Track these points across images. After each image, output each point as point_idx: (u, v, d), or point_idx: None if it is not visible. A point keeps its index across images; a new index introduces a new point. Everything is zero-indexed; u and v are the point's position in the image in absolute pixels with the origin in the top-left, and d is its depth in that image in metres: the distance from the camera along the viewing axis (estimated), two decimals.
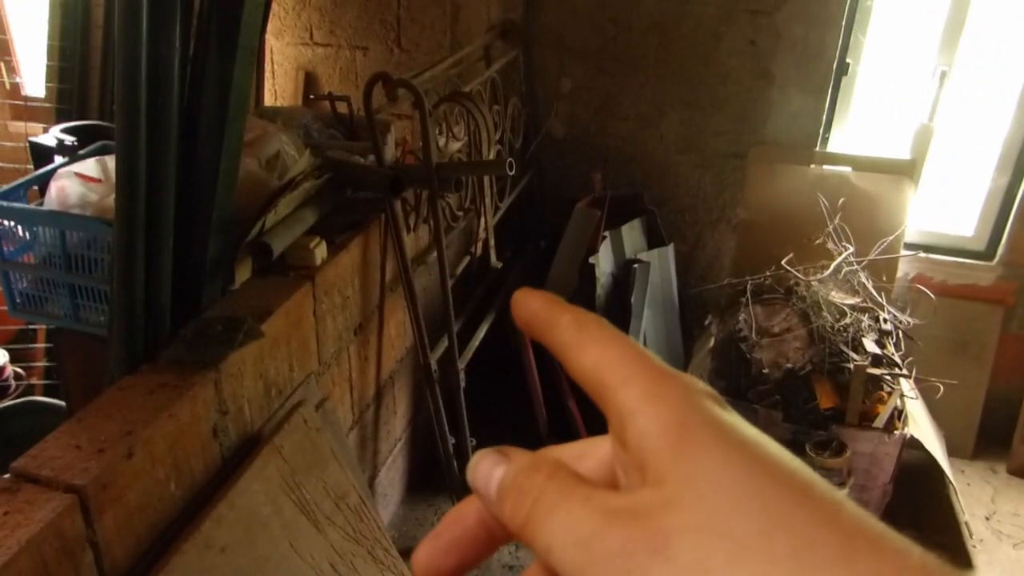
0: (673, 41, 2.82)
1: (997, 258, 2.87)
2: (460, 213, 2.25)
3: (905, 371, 2.45)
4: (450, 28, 3.06)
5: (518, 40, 2.90)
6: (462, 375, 2.25)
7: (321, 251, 1.83)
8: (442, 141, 2.30)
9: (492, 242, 2.24)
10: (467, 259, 2.39)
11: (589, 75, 2.96)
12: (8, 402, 2.52)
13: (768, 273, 2.65)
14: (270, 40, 3.30)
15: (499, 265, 2.27)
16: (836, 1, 2.64)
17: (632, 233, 2.85)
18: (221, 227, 1.61)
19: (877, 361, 2.44)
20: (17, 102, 3.68)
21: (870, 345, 2.47)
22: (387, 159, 2.15)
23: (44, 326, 2.78)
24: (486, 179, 2.27)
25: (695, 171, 2.98)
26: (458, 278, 2.40)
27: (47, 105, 3.09)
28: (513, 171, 1.92)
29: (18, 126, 3.60)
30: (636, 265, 2.66)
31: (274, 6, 3.23)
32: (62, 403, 2.38)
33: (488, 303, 2.61)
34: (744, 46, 2.76)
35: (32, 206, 1.81)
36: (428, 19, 3.09)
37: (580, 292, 2.67)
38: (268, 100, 3.36)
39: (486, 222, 2.23)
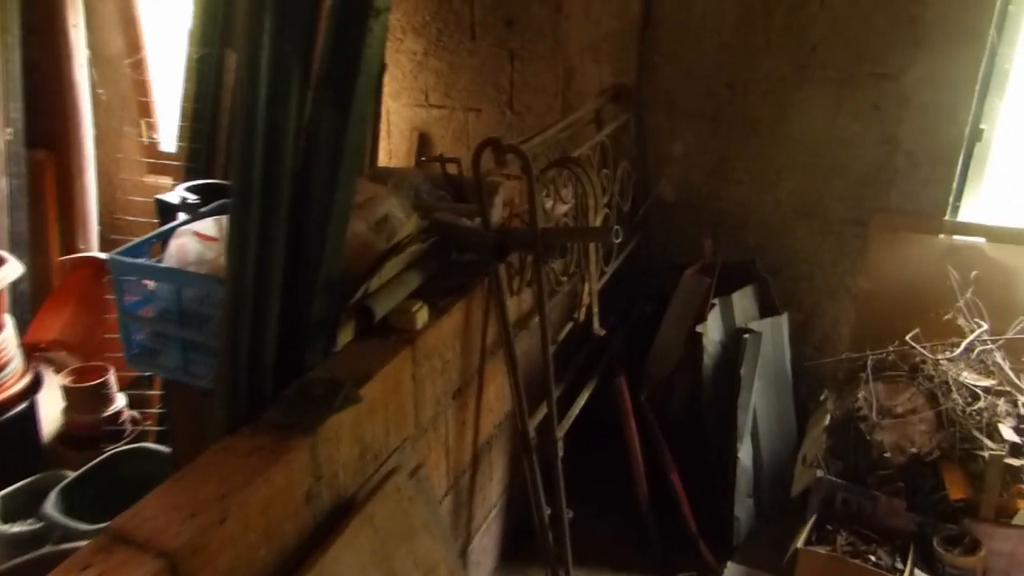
0: (792, 105, 2.73)
1: None
2: (564, 278, 2.22)
3: None
4: (562, 92, 3.08)
5: (630, 104, 2.88)
6: (560, 444, 2.18)
7: (423, 316, 1.83)
8: (549, 204, 2.28)
9: (596, 309, 2.19)
10: (570, 324, 2.34)
11: (702, 139, 2.90)
12: (123, 446, 2.63)
13: (891, 348, 2.48)
14: (387, 101, 3.41)
15: (602, 332, 2.22)
16: (968, 64, 2.49)
17: (743, 301, 2.73)
18: (326, 289, 1.63)
19: (1016, 451, 2.22)
20: (153, 159, 3.93)
21: (1007, 432, 2.26)
22: (494, 221, 2.15)
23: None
24: (591, 245, 2.23)
25: (813, 238, 2.85)
26: (560, 343, 2.35)
27: (179, 163, 3.27)
28: (619, 239, 1.88)
29: (152, 181, 3.85)
30: (746, 335, 2.54)
31: (393, 69, 3.35)
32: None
33: (590, 369, 2.54)
34: (868, 110, 2.64)
35: (153, 262, 1.89)
36: (540, 83, 3.13)
37: (687, 362, 2.57)
38: (382, 160, 3.46)
39: (590, 288, 2.18)
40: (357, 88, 1.49)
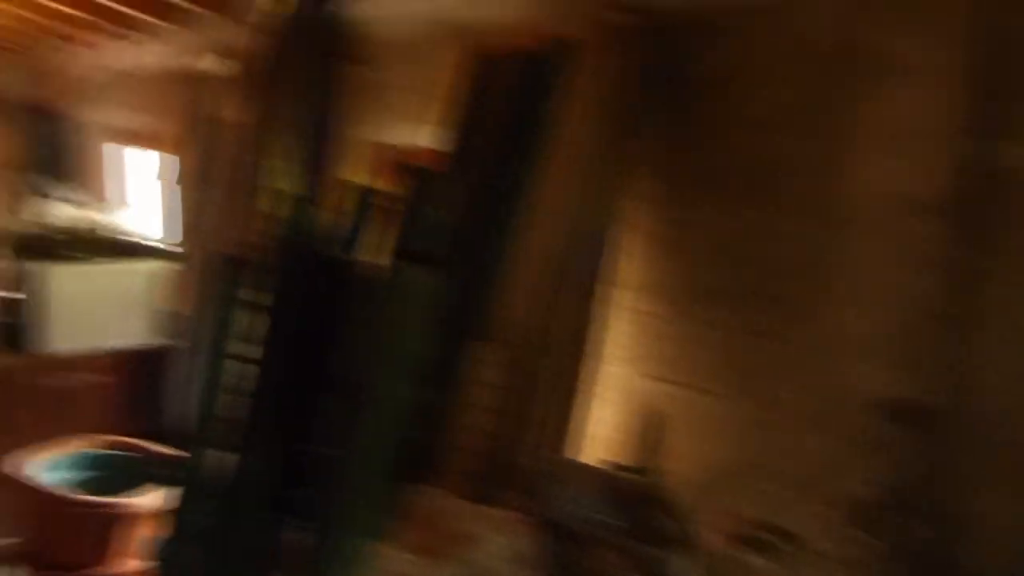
0: None
1: None
2: None
3: None
4: (820, 394, 2.27)
5: (919, 433, 1.98)
6: None
7: None
8: None
9: None
10: None
11: None
12: None
13: None
14: (611, 365, 2.82)
15: None
16: None
17: None
18: None
19: None
20: None
21: None
22: None
23: None
24: None
25: None
26: None
27: None
28: None
29: None
30: None
31: (621, 325, 2.77)
32: None
33: None
34: None
35: None
36: (798, 377, 2.33)
37: None
38: (592, 432, 2.82)
39: None
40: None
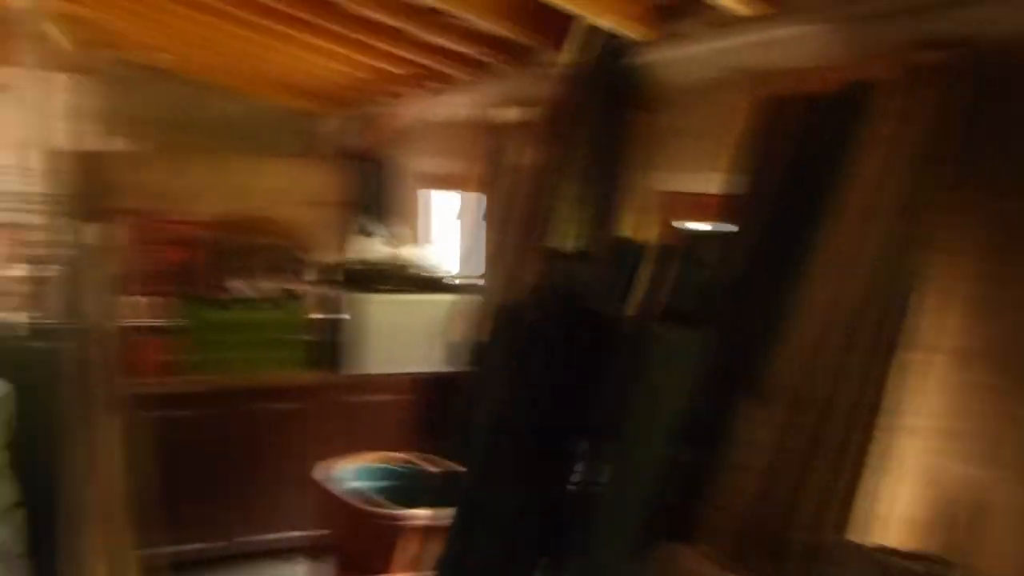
0: None
1: None
2: None
3: None
4: None
5: None
6: None
7: None
8: None
9: None
10: None
11: None
12: None
13: None
14: (914, 440, 2.51)
15: None
16: None
17: None
18: None
19: None
20: None
21: None
22: None
23: None
24: None
25: None
26: None
27: None
28: None
29: None
30: None
31: (929, 395, 2.46)
32: None
33: None
34: None
35: None
36: None
37: None
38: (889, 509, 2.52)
39: None
40: None
